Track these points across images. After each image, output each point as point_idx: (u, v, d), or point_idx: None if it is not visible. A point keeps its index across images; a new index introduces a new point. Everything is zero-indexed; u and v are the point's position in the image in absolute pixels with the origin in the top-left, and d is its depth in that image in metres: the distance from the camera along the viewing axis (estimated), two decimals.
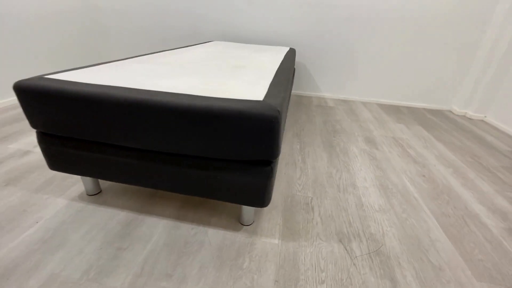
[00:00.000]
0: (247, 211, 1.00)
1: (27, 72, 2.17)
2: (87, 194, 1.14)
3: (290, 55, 1.92)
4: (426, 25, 2.40)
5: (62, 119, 0.84)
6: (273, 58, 1.66)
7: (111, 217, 1.02)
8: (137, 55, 3.00)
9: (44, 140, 0.94)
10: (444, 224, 1.11)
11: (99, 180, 1.18)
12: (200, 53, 1.66)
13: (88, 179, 1.10)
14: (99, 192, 1.15)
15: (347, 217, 1.11)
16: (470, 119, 2.49)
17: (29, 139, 1.56)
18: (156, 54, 1.50)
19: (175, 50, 1.73)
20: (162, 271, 0.83)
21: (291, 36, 2.67)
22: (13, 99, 2.08)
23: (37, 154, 1.41)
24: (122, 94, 0.76)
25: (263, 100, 0.77)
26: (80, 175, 1.00)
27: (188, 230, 0.99)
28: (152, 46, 2.93)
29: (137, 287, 0.77)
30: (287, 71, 1.30)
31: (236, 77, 1.06)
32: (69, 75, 0.92)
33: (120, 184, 1.22)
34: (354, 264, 0.90)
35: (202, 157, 0.84)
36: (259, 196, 0.86)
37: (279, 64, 1.47)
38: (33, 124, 0.89)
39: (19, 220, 0.98)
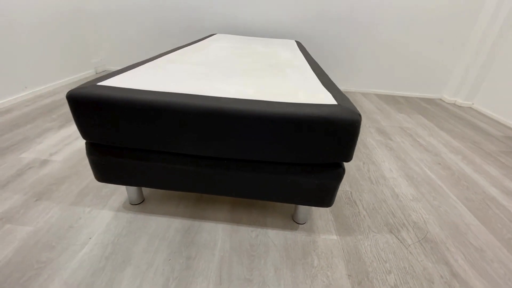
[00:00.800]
0: (303, 210, 1.03)
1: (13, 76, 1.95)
2: (131, 204, 1.09)
3: (303, 50, 1.93)
4: (419, 18, 2.52)
5: (123, 129, 0.79)
6: (293, 54, 1.66)
7: (167, 226, 1.00)
8: (138, 53, 2.82)
9: (96, 152, 0.88)
10: (471, 208, 1.23)
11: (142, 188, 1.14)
12: (218, 50, 1.60)
13: (133, 189, 1.05)
14: (142, 201, 1.11)
15: (388, 208, 1.19)
16: (459, 106, 2.69)
17: (41, 146, 1.43)
18: (177, 52, 1.43)
19: (189, 46, 1.66)
20: (240, 276, 0.83)
21: (291, 28, 2.66)
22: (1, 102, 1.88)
23: (57, 163, 1.31)
24: (201, 103, 0.73)
25: (338, 104, 0.78)
26: (132, 185, 0.95)
27: (248, 233, 1.00)
28: (150, 42, 2.76)
29: None
30: (320, 69, 1.31)
31: (284, 77, 1.05)
32: (119, 81, 0.85)
33: (161, 191, 1.18)
34: (410, 252, 0.97)
35: (276, 162, 0.84)
36: (328, 196, 0.89)
37: (304, 60, 1.48)
38: (87, 135, 0.83)
39: (69, 237, 0.92)
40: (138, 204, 1.10)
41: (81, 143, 1.49)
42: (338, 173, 0.84)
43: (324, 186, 0.86)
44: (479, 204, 1.26)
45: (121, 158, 0.88)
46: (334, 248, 0.97)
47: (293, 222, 1.07)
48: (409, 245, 1.00)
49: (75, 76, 2.50)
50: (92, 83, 0.82)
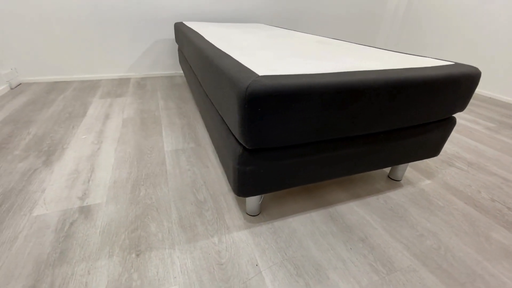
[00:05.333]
0: (402, 167, 1.16)
1: None
2: (250, 215, 0.94)
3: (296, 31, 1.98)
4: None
5: (310, 121, 0.68)
6: (303, 34, 1.70)
7: (310, 222, 0.93)
8: (69, 57, 2.11)
9: (255, 160, 0.71)
10: (463, 134, 1.66)
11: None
12: (242, 35, 1.47)
13: (255, 199, 0.91)
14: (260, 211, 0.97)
15: None
16: None
17: (49, 195, 0.98)
18: (209, 42, 1.23)
19: (203, 33, 1.44)
20: (413, 235, 0.89)
21: (247, 12, 2.63)
22: None
23: (105, 205, 0.94)
24: (390, 76, 0.71)
25: (456, 63, 0.92)
26: (283, 188, 0.83)
27: (376, 201, 1.05)
28: (83, 41, 2.13)
29: (418, 253, 0.82)
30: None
31: (363, 52, 1.11)
32: (270, 71, 0.71)
33: (267, 195, 1.06)
34: (472, 174, 1.26)
35: (420, 125, 0.91)
36: (441, 146, 1.04)
37: (328, 38, 1.55)
38: (257, 141, 0.66)
39: (233, 275, 0.73)
40: (257, 215, 0.95)
41: (106, 173, 1.10)
42: (454, 123, 1.00)
43: (442, 138, 1.00)
44: (461, 130, 1.71)
45: (286, 159, 0.75)
46: (438, 188, 1.15)
47: (392, 180, 1.19)
48: (467, 170, 1.30)
49: None
50: (252, 77, 0.65)
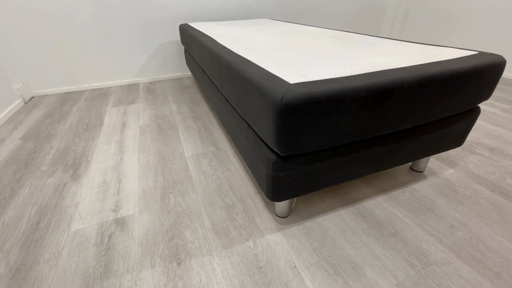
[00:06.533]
0: (426, 158, 1.16)
1: None
2: (281, 217, 0.96)
3: (303, 25, 1.95)
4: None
5: (343, 125, 0.69)
6: (312, 28, 1.68)
7: (340, 220, 0.94)
8: (77, 65, 2.12)
9: (290, 166, 0.72)
10: (483, 120, 1.65)
11: None
12: (254, 36, 1.46)
13: (286, 203, 0.92)
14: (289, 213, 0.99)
15: None
16: None
17: (83, 208, 1.01)
18: (230, 47, 1.23)
19: (217, 37, 1.44)
20: (443, 226, 0.90)
21: (251, 7, 2.59)
22: None
23: (138, 215, 0.97)
24: (410, 75, 0.71)
25: (480, 52, 0.90)
26: (314, 190, 0.84)
27: (402, 194, 1.06)
28: (89, 48, 2.14)
29: (451, 245, 0.84)
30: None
31: (379, 47, 1.09)
32: (298, 77, 0.71)
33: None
34: (495, 160, 1.26)
35: (445, 117, 0.91)
36: (465, 136, 1.03)
37: (340, 31, 1.53)
38: (291, 147, 0.67)
39: (273, 278, 0.76)
40: (287, 216, 0.97)
41: (134, 183, 1.13)
42: (478, 113, 0.99)
43: (467, 128, 1.00)
44: (482, 115, 1.70)
45: (319, 163, 0.76)
46: (462, 177, 1.15)
47: (415, 172, 1.19)
48: (489, 157, 1.29)
49: None
50: (285, 86, 0.65)
